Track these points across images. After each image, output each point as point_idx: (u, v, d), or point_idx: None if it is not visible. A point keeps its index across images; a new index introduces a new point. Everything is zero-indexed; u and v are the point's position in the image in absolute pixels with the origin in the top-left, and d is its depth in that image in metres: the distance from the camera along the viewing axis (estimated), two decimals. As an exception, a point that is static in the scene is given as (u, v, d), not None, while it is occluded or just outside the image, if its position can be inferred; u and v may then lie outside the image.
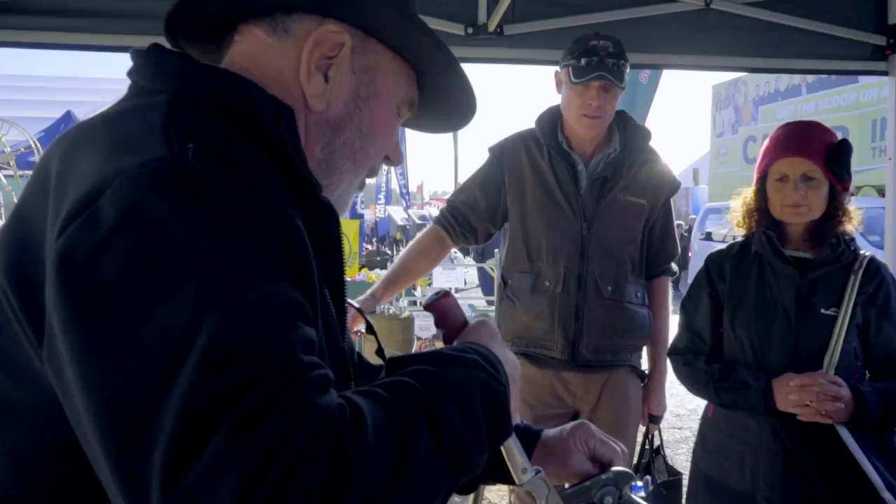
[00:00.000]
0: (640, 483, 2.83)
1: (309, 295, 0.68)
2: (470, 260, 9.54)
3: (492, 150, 2.56)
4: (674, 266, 2.62)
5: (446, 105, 1.00)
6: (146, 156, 0.64)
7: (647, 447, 2.66)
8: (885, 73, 3.01)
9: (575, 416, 2.54)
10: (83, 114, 10.55)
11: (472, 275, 12.26)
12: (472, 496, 2.13)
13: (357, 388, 0.70)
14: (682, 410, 6.11)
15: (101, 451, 0.58)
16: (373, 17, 0.85)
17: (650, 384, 2.58)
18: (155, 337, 0.57)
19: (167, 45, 0.88)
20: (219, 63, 0.88)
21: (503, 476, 0.97)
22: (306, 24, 0.84)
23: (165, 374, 0.56)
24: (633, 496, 1.07)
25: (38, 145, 8.03)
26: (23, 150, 8.14)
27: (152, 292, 0.59)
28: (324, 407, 0.60)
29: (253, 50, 0.86)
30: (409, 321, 2.40)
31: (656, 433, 2.67)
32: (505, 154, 2.51)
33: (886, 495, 1.81)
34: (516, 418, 0.86)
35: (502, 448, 0.93)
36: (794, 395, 1.89)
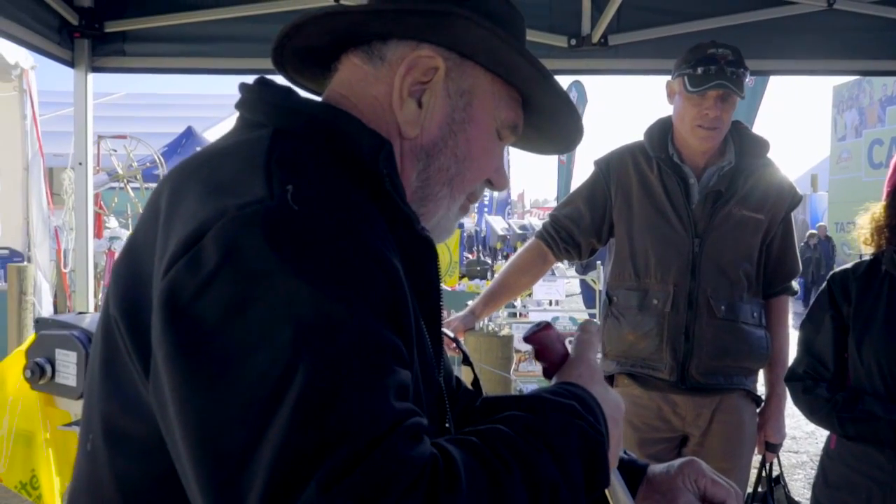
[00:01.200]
0: (754, 514, 2.65)
1: (405, 333, 0.68)
2: (572, 272, 9.40)
3: (597, 163, 2.49)
4: (794, 284, 2.46)
5: (553, 126, 0.97)
6: (246, 197, 0.65)
7: (763, 476, 2.51)
8: None
9: (684, 440, 2.43)
10: (202, 129, 11.18)
11: (574, 285, 12.07)
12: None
13: (452, 435, 0.69)
14: (799, 433, 5.75)
15: (198, 489, 0.59)
16: (468, 40, 0.84)
17: (767, 410, 2.44)
18: (251, 382, 0.58)
19: (275, 70, 0.90)
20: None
21: None
22: (401, 50, 0.84)
23: (260, 421, 0.57)
24: None
25: (162, 160, 8.54)
26: (148, 164, 8.69)
27: (250, 336, 0.59)
28: (417, 458, 0.59)
29: (350, 78, 0.87)
30: (508, 339, 2.35)
31: (774, 461, 2.52)
32: (611, 167, 2.44)
33: None
34: (616, 461, 0.81)
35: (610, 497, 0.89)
36: (932, 429, 1.73)
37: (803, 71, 2.90)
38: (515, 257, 2.66)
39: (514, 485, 0.62)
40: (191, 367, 0.60)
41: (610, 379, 2.46)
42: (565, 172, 12.20)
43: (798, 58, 2.79)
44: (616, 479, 0.87)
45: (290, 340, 0.59)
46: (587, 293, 9.88)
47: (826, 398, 1.95)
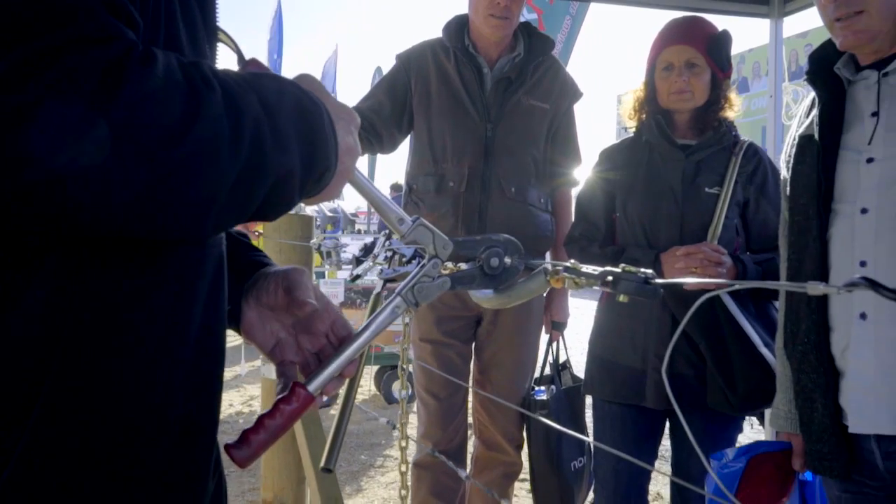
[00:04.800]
0: (542, 388, 2.86)
1: None
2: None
3: (399, 56, 2.59)
4: (576, 175, 2.70)
5: None
6: None
7: (550, 356, 2.73)
8: (765, 17, 3.22)
9: (479, 321, 2.58)
10: None
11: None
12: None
13: None
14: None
15: None
16: None
17: (552, 290, 2.65)
18: None
19: None
20: None
21: None
22: None
23: None
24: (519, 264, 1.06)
25: None
26: None
27: None
28: (114, 24, 0.53)
29: None
30: (308, 220, 2.27)
31: (562, 346, 2.74)
32: (412, 60, 2.55)
33: (764, 351, 1.94)
34: (351, 164, 0.77)
35: (366, 200, 0.90)
36: (680, 263, 1.99)
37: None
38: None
39: (214, 100, 0.57)
40: None
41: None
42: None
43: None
44: (365, 182, 0.87)
45: None
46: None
47: (598, 254, 2.17)
